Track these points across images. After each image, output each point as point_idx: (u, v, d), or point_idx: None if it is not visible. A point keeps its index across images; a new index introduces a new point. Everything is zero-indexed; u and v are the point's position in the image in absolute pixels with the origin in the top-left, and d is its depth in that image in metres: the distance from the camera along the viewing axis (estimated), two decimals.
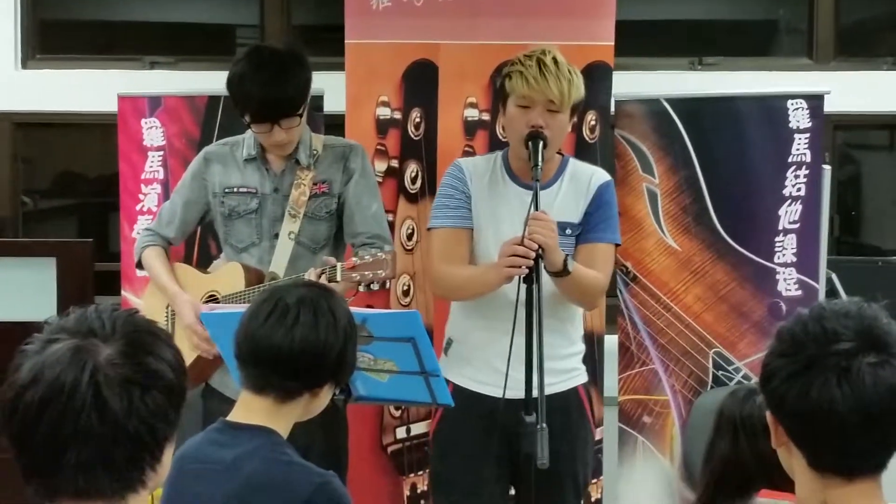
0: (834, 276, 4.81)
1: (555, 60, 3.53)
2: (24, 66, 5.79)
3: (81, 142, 6.04)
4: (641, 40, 5.78)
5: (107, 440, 1.60)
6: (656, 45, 5.97)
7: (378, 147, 4.37)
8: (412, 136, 4.39)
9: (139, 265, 4.00)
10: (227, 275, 3.76)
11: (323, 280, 3.39)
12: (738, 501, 2.61)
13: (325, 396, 2.65)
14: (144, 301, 4.05)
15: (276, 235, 3.75)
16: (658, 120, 4.46)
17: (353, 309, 2.74)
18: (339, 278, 3.42)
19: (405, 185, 4.40)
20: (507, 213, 3.58)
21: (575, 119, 3.64)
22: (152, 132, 4.58)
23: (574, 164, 3.73)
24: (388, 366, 3.18)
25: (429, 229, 3.75)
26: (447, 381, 3.56)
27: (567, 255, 3.44)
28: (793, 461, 1.85)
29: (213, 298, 3.75)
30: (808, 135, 4.44)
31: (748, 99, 4.53)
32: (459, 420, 3.59)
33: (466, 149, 4.33)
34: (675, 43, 6.05)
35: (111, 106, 4.65)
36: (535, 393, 3.13)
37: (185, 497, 2.58)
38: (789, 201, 4.46)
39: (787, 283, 4.48)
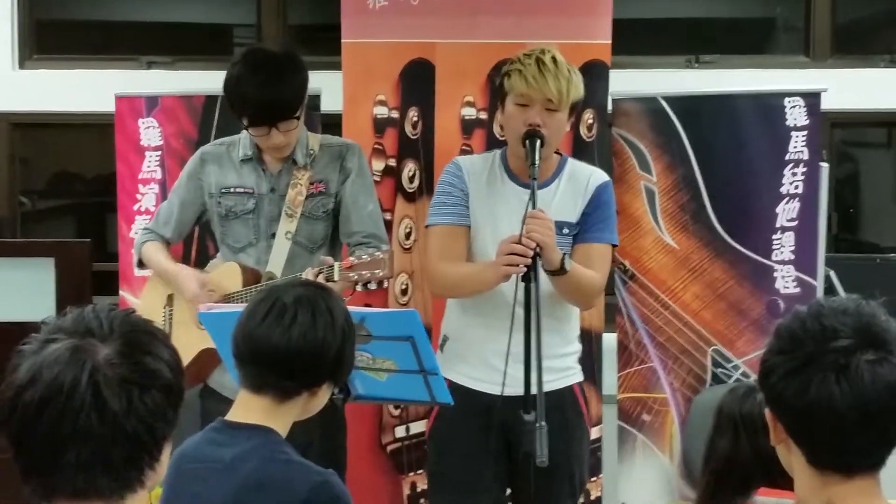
0: (832, 274, 4.81)
1: (554, 60, 3.53)
2: (22, 66, 5.78)
3: (79, 142, 6.03)
4: (638, 38, 5.78)
5: (106, 440, 1.60)
6: (653, 44, 5.97)
7: (375, 146, 4.37)
8: (409, 135, 4.39)
9: (139, 264, 4.00)
10: (224, 275, 3.76)
11: (320, 280, 3.39)
12: (738, 499, 2.61)
13: (323, 395, 2.65)
14: (142, 301, 4.05)
15: (273, 235, 3.76)
16: (655, 118, 4.46)
17: (351, 308, 2.74)
18: (336, 278, 3.42)
19: (403, 184, 4.40)
20: (504, 212, 3.58)
21: (573, 119, 3.64)
22: (149, 132, 4.58)
23: (573, 164, 3.73)
24: (387, 365, 3.18)
25: (427, 227, 3.75)
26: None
27: (564, 253, 3.44)
28: (792, 458, 1.85)
29: None
30: (805, 132, 4.44)
31: (745, 97, 4.53)
32: (456, 418, 3.58)
33: (464, 147, 4.33)
34: (672, 41, 6.04)
35: (108, 106, 4.65)
36: (533, 391, 3.13)
37: (184, 496, 2.58)
38: (787, 199, 4.46)
39: (786, 280, 4.48)
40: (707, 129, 4.47)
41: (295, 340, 2.55)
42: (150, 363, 1.65)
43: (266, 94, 3.59)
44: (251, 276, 3.70)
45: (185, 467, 2.59)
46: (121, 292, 4.61)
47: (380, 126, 4.38)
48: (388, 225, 4.34)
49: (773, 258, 4.48)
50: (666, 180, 4.46)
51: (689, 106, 4.48)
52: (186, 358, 3.20)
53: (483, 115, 4.33)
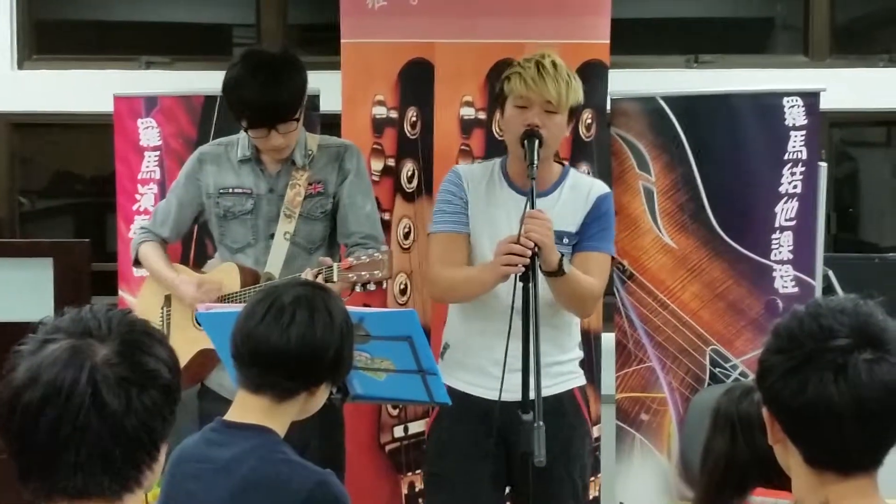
0: (831, 273, 4.81)
1: (553, 63, 3.55)
2: (21, 66, 5.78)
3: (78, 142, 6.03)
4: (637, 38, 5.78)
5: (105, 439, 1.60)
6: (652, 43, 5.97)
7: (374, 146, 4.37)
8: (408, 135, 4.39)
9: (136, 263, 4.00)
10: (222, 275, 3.76)
11: (319, 280, 3.39)
12: (736, 499, 2.61)
13: (321, 395, 2.65)
14: (139, 301, 4.06)
15: (272, 236, 3.76)
16: (654, 118, 4.46)
17: (349, 308, 2.74)
18: (335, 278, 3.42)
19: (402, 184, 4.40)
20: (503, 218, 3.59)
21: (573, 124, 3.65)
22: (148, 132, 4.58)
23: (575, 175, 3.74)
24: (385, 365, 3.18)
25: (428, 234, 3.75)
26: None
27: (563, 254, 3.44)
28: (789, 458, 1.85)
29: None
30: (804, 132, 4.44)
31: (744, 96, 4.53)
32: (455, 420, 3.59)
33: (463, 147, 4.33)
34: (670, 41, 6.05)
35: (107, 106, 4.65)
36: (531, 395, 3.13)
37: (183, 496, 2.58)
38: (785, 198, 4.46)
39: (784, 280, 4.49)
40: (706, 129, 4.47)
41: (294, 340, 2.55)
42: (148, 363, 1.66)
43: (265, 95, 3.59)
44: (249, 277, 3.71)
45: (183, 467, 2.60)
46: (120, 292, 4.61)
47: (379, 126, 4.38)
48: (387, 225, 4.34)
49: (772, 258, 4.48)
50: (664, 180, 4.46)
51: (687, 106, 4.49)
52: (184, 358, 3.22)
53: (482, 115, 4.33)
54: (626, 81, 4.68)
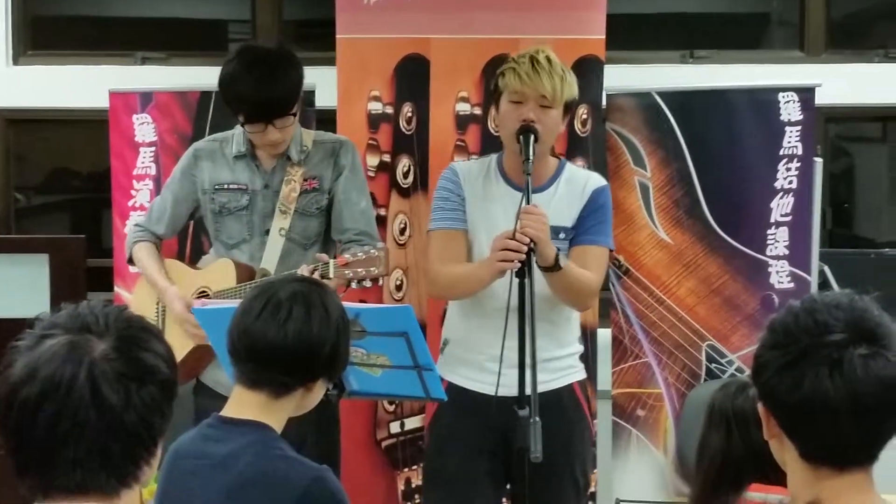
0: (826, 269, 4.81)
1: (548, 59, 3.55)
2: (16, 62, 5.77)
3: (73, 138, 6.02)
4: (632, 34, 5.78)
5: (104, 435, 1.61)
6: (647, 39, 5.97)
7: (370, 142, 4.37)
8: (404, 130, 4.39)
9: (130, 261, 4.00)
10: (217, 271, 3.76)
11: (316, 276, 3.39)
12: (732, 495, 2.62)
13: (318, 391, 2.65)
14: (134, 297, 4.05)
15: (267, 232, 3.75)
16: (649, 113, 4.47)
17: (345, 304, 2.75)
18: (331, 275, 3.42)
19: (397, 180, 4.40)
20: (500, 214, 3.58)
21: (568, 118, 3.65)
22: (144, 128, 4.58)
23: (571, 169, 3.73)
24: (382, 360, 3.18)
25: (427, 232, 3.75)
26: (442, 379, 3.58)
27: (559, 249, 3.44)
28: (785, 453, 1.85)
29: (203, 294, 3.75)
30: (799, 127, 4.45)
31: (739, 92, 4.54)
32: (454, 416, 3.60)
33: (458, 143, 4.34)
34: (666, 36, 6.04)
35: (103, 102, 4.64)
36: (528, 390, 3.13)
37: (180, 492, 2.59)
38: (781, 194, 4.46)
39: (780, 275, 4.49)
40: (701, 125, 4.48)
41: (290, 336, 2.56)
42: (146, 358, 1.66)
43: (262, 90, 3.58)
44: (245, 273, 3.70)
45: (179, 463, 2.60)
46: (115, 288, 4.61)
47: (374, 121, 4.38)
48: (383, 220, 4.34)
49: (768, 253, 4.49)
50: (660, 175, 4.47)
51: (683, 101, 4.49)
52: (179, 354, 3.22)
53: (477, 111, 4.33)
54: (621, 77, 4.68)
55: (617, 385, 4.52)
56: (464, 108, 4.34)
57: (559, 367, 3.65)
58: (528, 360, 3.15)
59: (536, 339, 3.14)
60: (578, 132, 4.34)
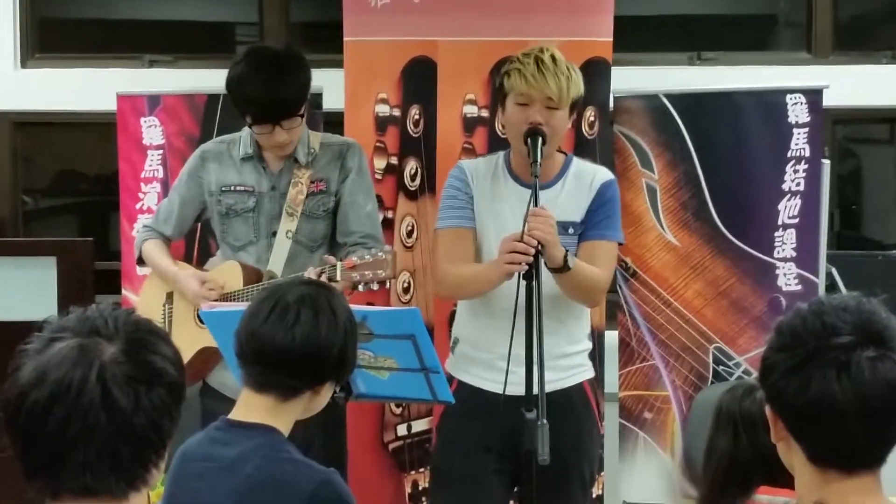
0: (834, 271, 4.81)
1: (553, 58, 3.53)
2: (24, 65, 5.78)
3: (81, 141, 6.03)
4: (640, 36, 5.78)
5: (114, 438, 1.61)
6: (655, 41, 5.97)
7: (377, 144, 4.38)
8: (411, 133, 4.40)
9: (140, 261, 4.00)
10: (224, 273, 3.76)
11: (323, 279, 3.39)
12: (740, 498, 2.61)
13: (325, 394, 2.65)
14: (140, 298, 4.06)
15: (274, 234, 3.76)
16: (657, 115, 4.46)
17: (353, 306, 2.75)
18: (339, 277, 3.42)
19: (405, 183, 4.40)
20: (508, 213, 3.58)
21: (574, 116, 3.64)
22: (151, 131, 4.59)
23: (577, 164, 3.72)
24: (389, 363, 3.18)
25: (435, 231, 3.75)
26: (452, 378, 3.58)
27: (567, 250, 3.44)
28: (792, 456, 1.85)
29: None
30: (807, 129, 4.45)
31: (747, 94, 4.53)
32: (463, 415, 3.59)
33: (465, 145, 4.33)
34: (673, 38, 6.04)
35: (110, 105, 4.65)
36: (535, 390, 3.13)
37: (187, 495, 2.59)
38: (788, 196, 4.46)
39: (787, 277, 4.49)
40: (709, 126, 4.47)
41: (298, 339, 2.56)
42: (156, 361, 1.66)
43: (270, 91, 3.59)
44: (252, 275, 3.70)
45: (187, 466, 2.60)
46: (123, 291, 4.62)
47: (381, 124, 4.39)
48: (390, 223, 4.34)
49: (775, 255, 4.48)
50: (668, 177, 4.46)
51: (690, 103, 4.49)
52: (186, 356, 3.20)
53: (485, 113, 4.33)
54: (629, 79, 4.68)
55: (624, 387, 4.52)
56: (471, 110, 4.34)
57: (569, 365, 3.64)
58: (535, 361, 3.14)
59: (546, 337, 3.13)
60: (586, 134, 4.34)
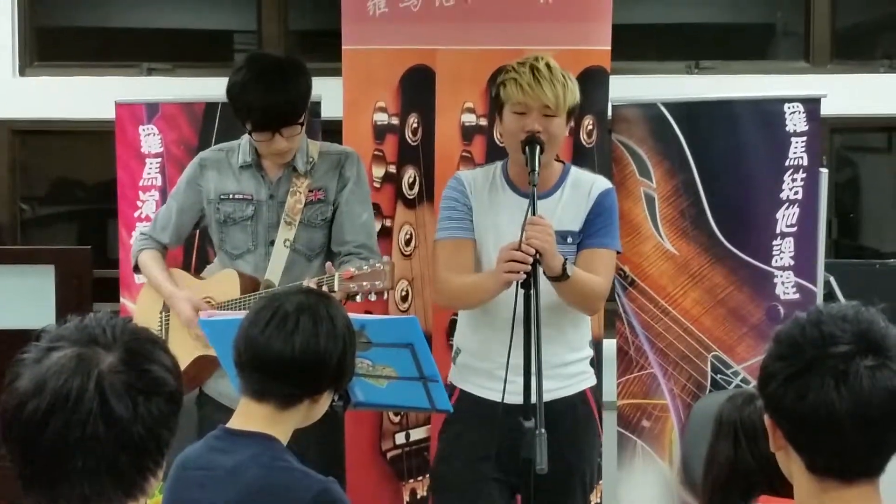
0: (832, 280, 4.81)
1: (548, 66, 3.54)
2: (22, 73, 5.78)
3: (79, 149, 6.02)
4: (638, 44, 5.79)
5: (113, 447, 1.61)
6: (653, 50, 5.97)
7: (375, 153, 4.38)
8: (410, 141, 4.40)
9: (136, 269, 4.00)
10: (222, 281, 3.76)
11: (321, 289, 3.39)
12: None
13: (324, 403, 2.65)
14: (137, 306, 4.05)
15: (272, 242, 3.75)
16: (655, 124, 4.47)
17: (351, 315, 2.75)
18: (336, 288, 3.42)
19: (403, 191, 4.40)
20: (506, 222, 3.58)
21: (572, 124, 3.65)
22: (150, 139, 4.59)
23: (576, 173, 3.72)
24: (387, 371, 3.18)
25: (435, 242, 3.75)
26: (454, 387, 3.58)
27: (566, 259, 3.44)
28: (791, 465, 1.85)
29: (207, 303, 3.75)
30: (804, 138, 4.45)
31: (745, 102, 4.53)
32: (464, 423, 3.60)
33: (464, 154, 4.34)
34: (671, 47, 6.05)
35: (109, 113, 4.65)
36: (534, 399, 3.13)
37: (186, 503, 2.58)
38: (787, 205, 4.46)
39: (785, 286, 4.49)
40: (707, 135, 4.47)
41: (297, 348, 2.56)
42: (154, 371, 1.66)
43: (270, 98, 3.59)
44: (249, 284, 3.70)
45: (186, 474, 2.60)
46: (121, 299, 4.61)
47: (380, 132, 4.39)
48: (389, 231, 4.34)
49: (773, 264, 4.48)
50: (666, 186, 4.46)
51: (688, 112, 4.49)
52: (183, 363, 3.21)
53: (483, 122, 4.34)
54: (627, 88, 4.68)
55: (622, 396, 4.52)
56: (469, 118, 4.34)
57: (571, 374, 3.65)
58: (533, 370, 3.14)
59: (546, 346, 3.14)
60: (584, 143, 4.34)
